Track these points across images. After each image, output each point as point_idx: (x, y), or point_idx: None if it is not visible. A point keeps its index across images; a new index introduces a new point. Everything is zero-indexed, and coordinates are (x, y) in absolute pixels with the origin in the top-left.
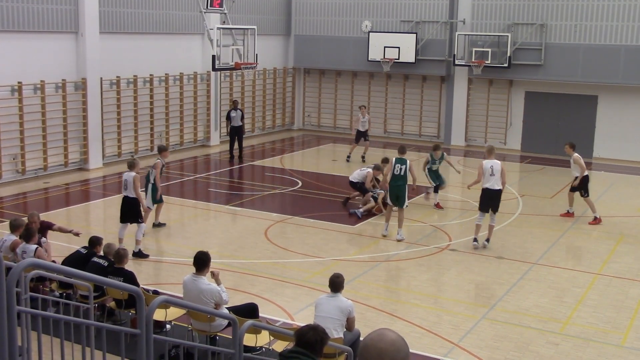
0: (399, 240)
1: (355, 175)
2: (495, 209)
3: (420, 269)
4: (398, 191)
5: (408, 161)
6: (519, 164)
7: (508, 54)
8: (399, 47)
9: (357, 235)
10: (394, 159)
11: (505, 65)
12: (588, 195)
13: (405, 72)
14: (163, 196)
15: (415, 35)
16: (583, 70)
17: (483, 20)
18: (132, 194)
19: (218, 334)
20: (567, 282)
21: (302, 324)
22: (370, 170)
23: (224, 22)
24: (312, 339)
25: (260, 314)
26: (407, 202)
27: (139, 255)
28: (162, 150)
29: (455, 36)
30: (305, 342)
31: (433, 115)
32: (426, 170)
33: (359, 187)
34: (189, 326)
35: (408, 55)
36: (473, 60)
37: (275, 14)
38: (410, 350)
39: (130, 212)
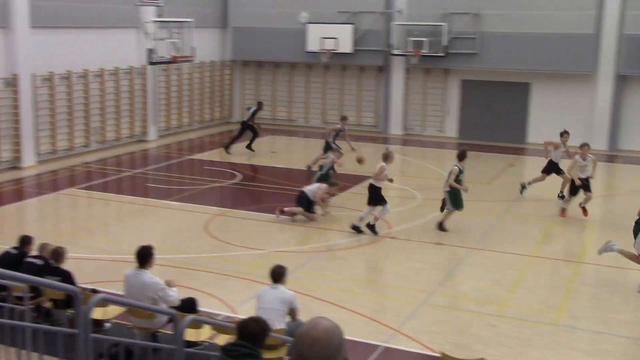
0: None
1: (312, 189)
2: None
3: (362, 257)
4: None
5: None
6: (456, 151)
7: (444, 44)
8: (336, 38)
9: (299, 226)
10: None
11: (442, 54)
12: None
13: (343, 63)
14: None
15: (352, 26)
16: (516, 58)
17: (419, 10)
18: (375, 183)
19: (160, 330)
20: (504, 265)
21: (245, 317)
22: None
23: (160, 15)
24: (254, 331)
25: (201, 308)
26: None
27: (372, 229)
28: (343, 118)
29: (392, 26)
30: (247, 334)
31: (371, 105)
32: None
33: (307, 202)
34: (129, 324)
35: (346, 46)
36: (410, 50)
37: (212, 6)
38: (353, 338)
39: (373, 197)
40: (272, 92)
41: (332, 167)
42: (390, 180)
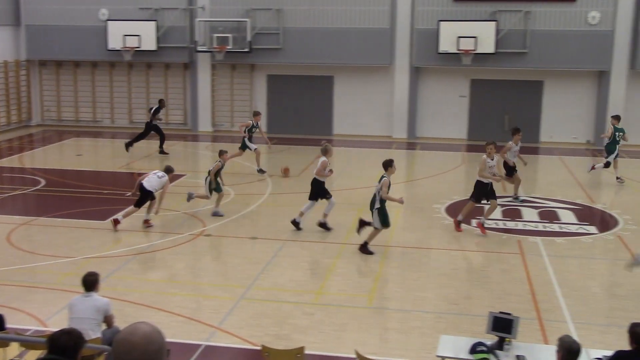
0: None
1: (153, 183)
2: None
3: (177, 257)
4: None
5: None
6: (265, 145)
7: (248, 39)
8: (139, 35)
9: (110, 231)
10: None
11: (247, 50)
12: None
13: (147, 61)
14: None
15: (155, 22)
16: (319, 53)
17: (222, 7)
18: (319, 178)
19: None
20: (318, 254)
21: (56, 330)
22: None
23: None
24: (66, 344)
25: (8, 325)
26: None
27: (324, 226)
28: (256, 114)
29: (196, 23)
30: (58, 347)
31: (179, 103)
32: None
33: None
34: None
35: (149, 44)
36: (215, 46)
37: (1, 2)
38: (173, 340)
39: (316, 192)
40: (73, 92)
41: (219, 172)
42: (331, 171)
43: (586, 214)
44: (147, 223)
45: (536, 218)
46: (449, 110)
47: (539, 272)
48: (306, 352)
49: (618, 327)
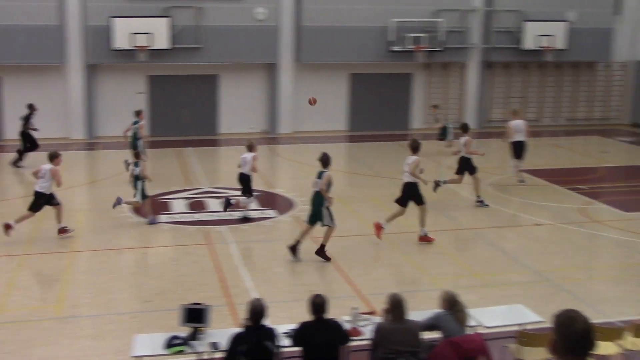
0: None
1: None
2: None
3: None
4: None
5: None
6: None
7: None
8: None
9: None
10: None
11: None
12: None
13: None
14: None
15: None
16: None
17: None
18: (246, 171)
19: None
20: None
21: None
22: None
23: None
24: None
25: None
26: None
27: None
28: (138, 113)
29: None
30: None
31: None
32: None
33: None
34: None
35: None
36: None
37: None
38: None
39: (245, 186)
40: None
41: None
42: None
43: (267, 199)
44: (63, 232)
45: (220, 208)
46: (128, 107)
47: (227, 259)
48: None
49: (300, 301)
